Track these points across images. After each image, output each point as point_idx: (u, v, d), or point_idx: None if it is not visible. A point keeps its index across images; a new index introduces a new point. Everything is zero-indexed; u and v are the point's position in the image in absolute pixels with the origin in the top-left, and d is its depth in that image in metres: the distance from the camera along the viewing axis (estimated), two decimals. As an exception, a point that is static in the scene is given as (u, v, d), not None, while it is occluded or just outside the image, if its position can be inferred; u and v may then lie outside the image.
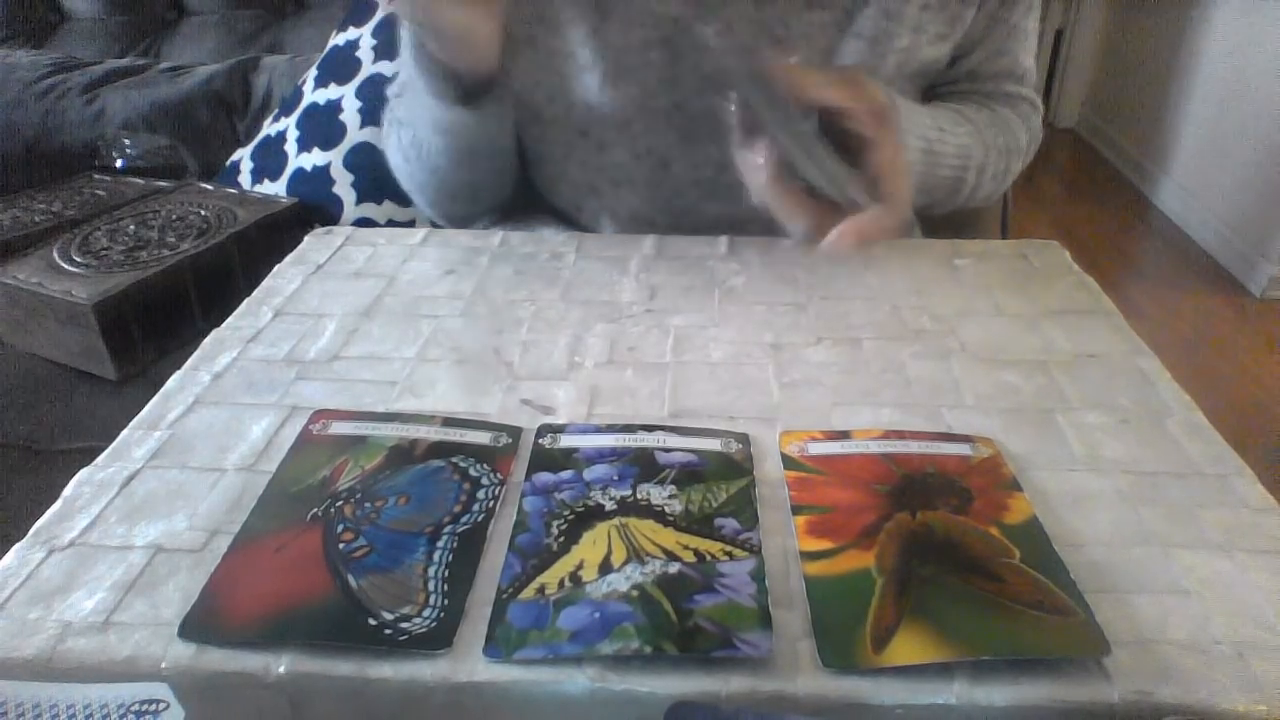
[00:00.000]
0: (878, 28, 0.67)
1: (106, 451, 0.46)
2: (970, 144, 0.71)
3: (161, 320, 0.93)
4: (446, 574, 0.38)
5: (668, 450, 0.45)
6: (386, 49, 1.13)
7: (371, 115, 1.10)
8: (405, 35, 0.68)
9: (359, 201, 1.11)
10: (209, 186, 1.17)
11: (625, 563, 0.38)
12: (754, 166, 0.56)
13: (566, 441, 0.46)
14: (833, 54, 0.68)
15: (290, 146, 1.15)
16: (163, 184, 1.17)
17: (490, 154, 0.74)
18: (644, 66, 0.68)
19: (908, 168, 0.60)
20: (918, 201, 0.71)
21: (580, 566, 0.38)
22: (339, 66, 1.15)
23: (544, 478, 0.44)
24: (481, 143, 0.71)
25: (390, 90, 0.80)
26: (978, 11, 0.71)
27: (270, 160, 1.17)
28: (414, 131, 0.72)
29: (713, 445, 0.46)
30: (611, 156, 0.73)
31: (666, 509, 0.41)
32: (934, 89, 0.77)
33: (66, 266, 0.94)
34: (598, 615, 0.35)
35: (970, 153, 0.71)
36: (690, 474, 0.44)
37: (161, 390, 0.51)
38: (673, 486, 0.43)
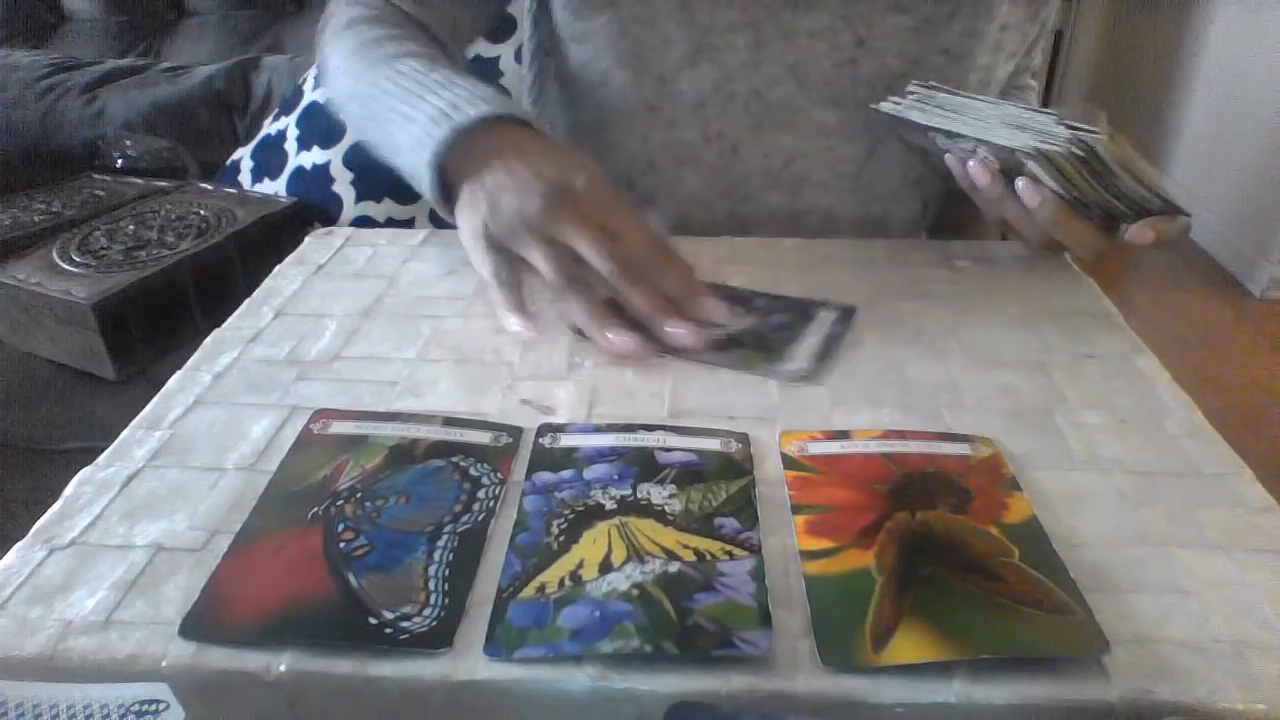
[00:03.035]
0: (962, 46, 0.68)
1: (107, 451, 0.46)
2: None
3: (161, 320, 0.93)
4: (447, 573, 0.38)
5: (668, 450, 0.45)
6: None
7: (371, 115, 1.10)
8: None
9: (359, 200, 1.11)
10: (208, 186, 1.17)
11: (625, 562, 0.38)
12: (1030, 201, 0.58)
13: (566, 441, 0.46)
14: (916, 63, 0.69)
15: (290, 145, 1.15)
16: (162, 184, 1.17)
17: None
18: (728, 48, 0.67)
19: None
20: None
21: (580, 565, 0.38)
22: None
23: (544, 477, 0.44)
24: None
25: (344, 29, 0.69)
26: (1040, 26, 0.73)
27: (270, 159, 1.17)
28: (366, 121, 0.65)
29: (713, 445, 0.46)
30: (679, 135, 0.71)
31: (666, 508, 0.41)
32: None
33: (66, 266, 0.94)
34: (598, 614, 0.35)
35: None
36: (690, 473, 0.44)
37: (162, 390, 0.51)
38: (673, 486, 0.43)
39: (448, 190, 0.58)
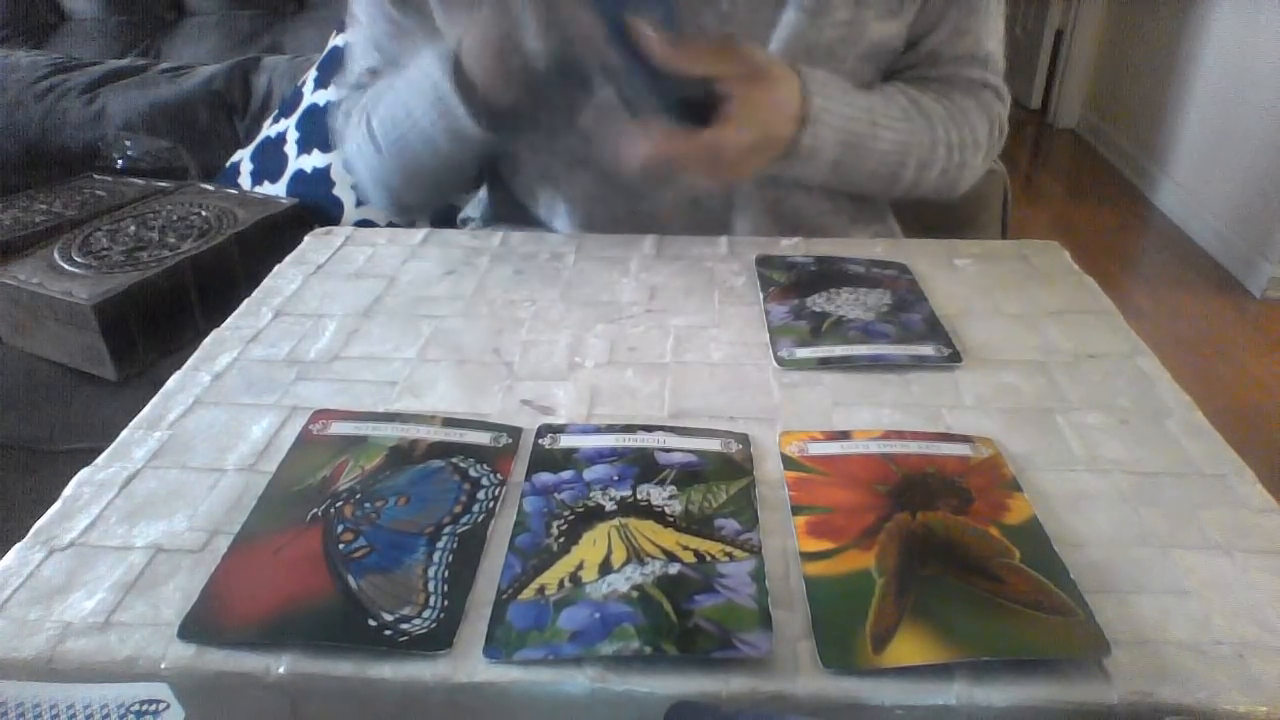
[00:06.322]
0: (816, 0, 0.65)
1: (107, 452, 0.46)
2: (910, 140, 0.68)
3: (162, 321, 0.93)
4: (446, 574, 0.38)
5: (668, 450, 0.45)
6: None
7: (371, 115, 1.10)
8: (432, 60, 0.65)
9: (359, 203, 1.10)
10: (209, 187, 1.17)
11: (625, 563, 0.38)
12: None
13: (566, 442, 0.46)
14: (772, 26, 0.66)
15: (290, 148, 1.15)
16: (163, 185, 1.17)
17: (479, 160, 0.74)
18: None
19: (758, 123, 0.60)
20: (840, 186, 0.70)
21: (580, 567, 0.38)
22: (339, 67, 1.15)
23: (544, 478, 0.44)
24: (482, 151, 0.71)
25: (350, 78, 0.78)
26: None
27: (270, 162, 1.17)
28: (400, 130, 0.70)
29: (713, 445, 0.46)
30: (564, 141, 0.72)
31: (666, 509, 0.41)
32: (895, 73, 0.74)
33: (67, 267, 0.94)
34: (598, 616, 0.35)
35: (909, 148, 0.69)
36: (690, 474, 0.44)
37: (161, 390, 0.51)
38: (673, 487, 0.43)
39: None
